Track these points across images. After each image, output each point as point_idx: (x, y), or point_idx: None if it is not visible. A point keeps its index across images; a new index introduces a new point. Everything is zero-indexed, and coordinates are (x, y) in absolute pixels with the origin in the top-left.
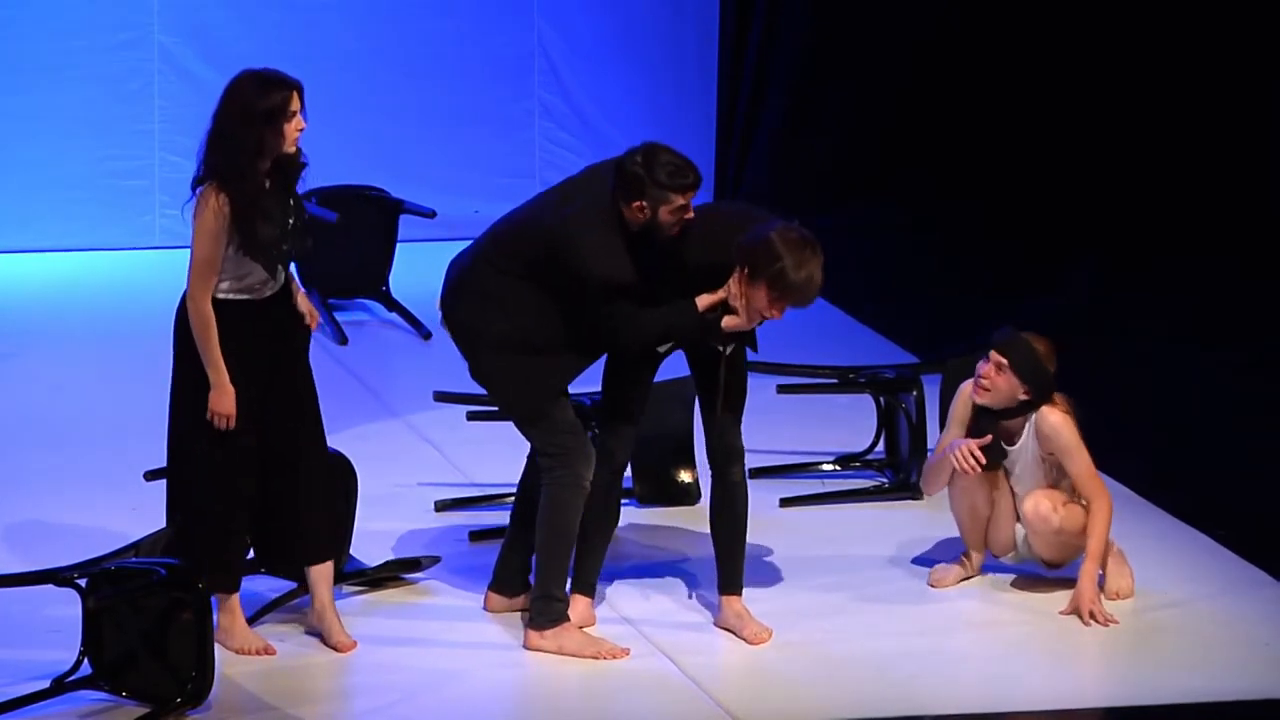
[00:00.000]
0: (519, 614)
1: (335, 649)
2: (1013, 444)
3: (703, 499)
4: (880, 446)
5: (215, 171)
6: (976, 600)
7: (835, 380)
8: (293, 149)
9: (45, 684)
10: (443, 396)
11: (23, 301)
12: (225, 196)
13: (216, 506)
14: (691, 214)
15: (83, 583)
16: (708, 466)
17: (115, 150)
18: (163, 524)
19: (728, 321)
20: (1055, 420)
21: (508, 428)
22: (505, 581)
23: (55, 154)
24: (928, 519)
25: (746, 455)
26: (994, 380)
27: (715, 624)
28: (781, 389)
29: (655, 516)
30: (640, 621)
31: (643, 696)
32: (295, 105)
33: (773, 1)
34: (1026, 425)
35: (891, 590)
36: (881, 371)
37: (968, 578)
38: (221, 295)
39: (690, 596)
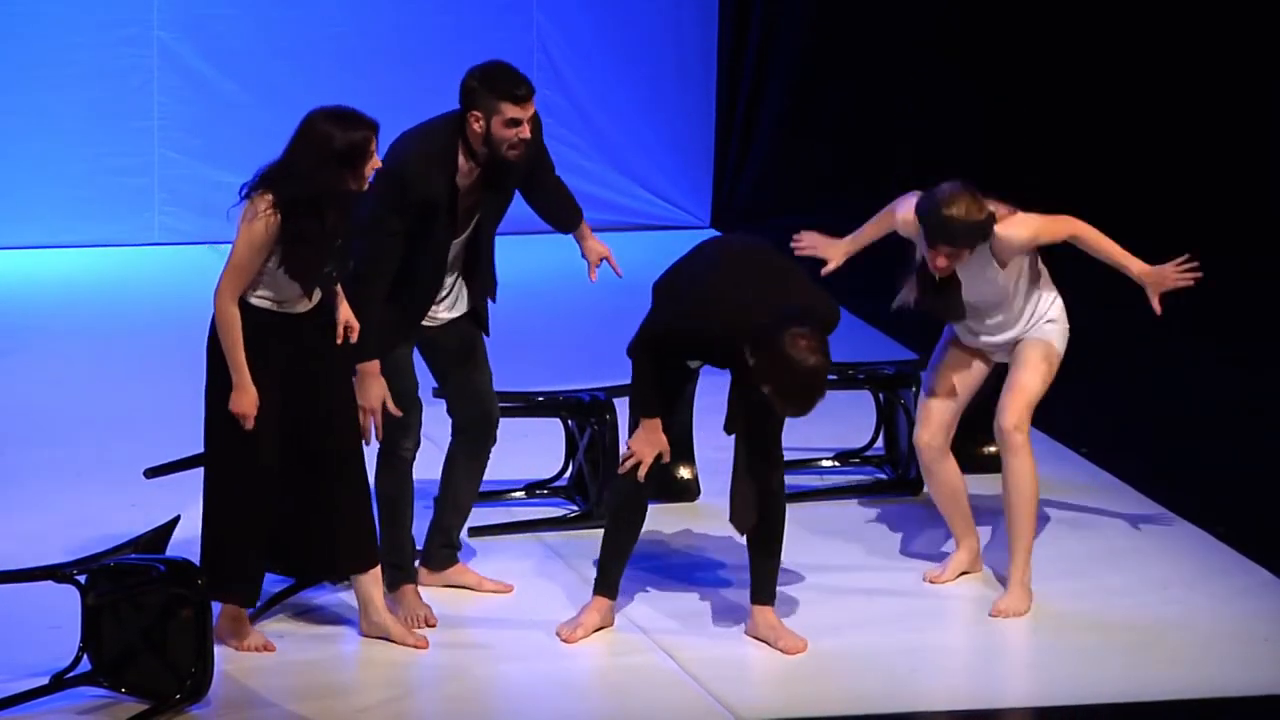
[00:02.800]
0: (521, 611)
1: (414, 647)
2: (967, 270)
3: (702, 495)
4: (879, 443)
5: (283, 197)
6: (975, 596)
7: (834, 376)
8: (365, 187)
9: (45, 680)
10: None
11: (22, 298)
12: (280, 216)
13: (234, 519)
14: (528, 135)
15: (82, 579)
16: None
17: (115, 147)
18: (162, 520)
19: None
20: (1011, 234)
21: (506, 424)
22: (428, 555)
23: (54, 150)
24: (927, 515)
25: None
26: (951, 263)
27: (746, 633)
28: None
29: (655, 513)
30: (639, 618)
31: (643, 692)
32: (373, 145)
33: (772, 0)
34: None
35: (890, 586)
36: (881, 368)
37: (966, 572)
38: (258, 303)
39: (689, 593)
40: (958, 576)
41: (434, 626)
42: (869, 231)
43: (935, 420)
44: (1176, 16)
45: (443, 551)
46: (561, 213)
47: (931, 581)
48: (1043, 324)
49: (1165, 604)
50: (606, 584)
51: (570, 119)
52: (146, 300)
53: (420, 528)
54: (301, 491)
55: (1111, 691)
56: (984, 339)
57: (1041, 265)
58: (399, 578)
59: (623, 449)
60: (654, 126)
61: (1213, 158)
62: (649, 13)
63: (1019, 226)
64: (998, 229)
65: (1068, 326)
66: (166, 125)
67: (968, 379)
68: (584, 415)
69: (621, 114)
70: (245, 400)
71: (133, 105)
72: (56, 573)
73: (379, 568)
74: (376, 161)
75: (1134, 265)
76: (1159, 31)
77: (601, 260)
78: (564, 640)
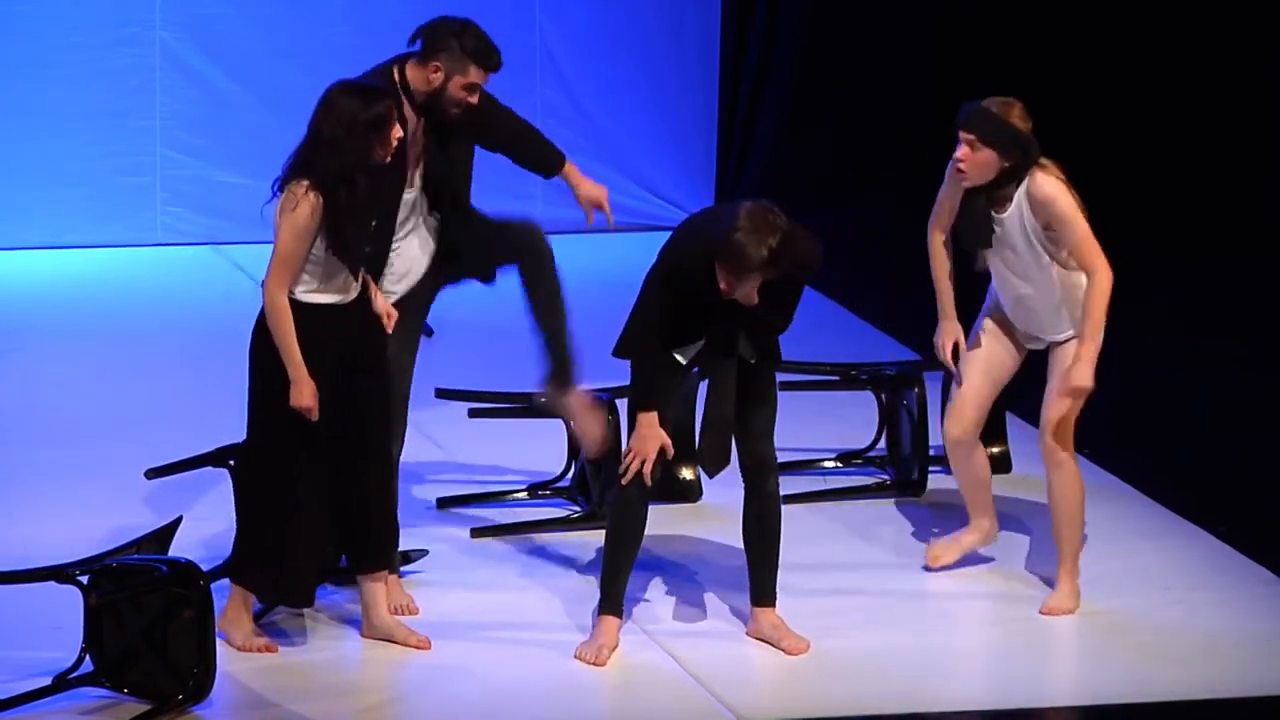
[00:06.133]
0: (522, 612)
1: (417, 648)
2: (1003, 211)
3: (704, 496)
4: (882, 444)
5: (318, 176)
6: (979, 597)
7: (837, 377)
8: (389, 158)
9: (47, 681)
10: (444, 393)
11: (24, 298)
12: (320, 196)
13: (287, 519)
14: (475, 103)
15: (84, 580)
16: (740, 478)
17: (116, 147)
18: (162, 521)
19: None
20: (1049, 188)
21: (509, 425)
22: (552, 377)
23: (56, 150)
24: (930, 516)
25: None
26: (970, 159)
27: (748, 634)
28: (783, 386)
29: (656, 513)
30: (642, 619)
31: (644, 693)
32: (395, 114)
33: (774, 0)
34: (1017, 194)
35: (893, 587)
36: (883, 368)
37: (974, 549)
38: (308, 298)
39: (692, 593)
40: (961, 555)
41: (416, 614)
42: (940, 264)
43: (968, 415)
44: (1175, 17)
45: (565, 371)
46: (544, 159)
47: (932, 563)
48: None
49: (1166, 605)
50: (613, 602)
51: (572, 119)
52: (148, 301)
53: (421, 523)
54: (332, 488)
55: (1114, 692)
56: (1020, 330)
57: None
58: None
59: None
60: (656, 127)
61: (1211, 159)
62: (651, 13)
63: (1060, 191)
64: (1039, 174)
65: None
66: (168, 125)
67: (1000, 370)
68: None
69: (623, 114)
70: (306, 393)
71: (134, 105)
72: (59, 573)
73: (385, 572)
74: (399, 131)
75: (1089, 349)
76: (1159, 32)
77: (594, 208)
78: (593, 664)
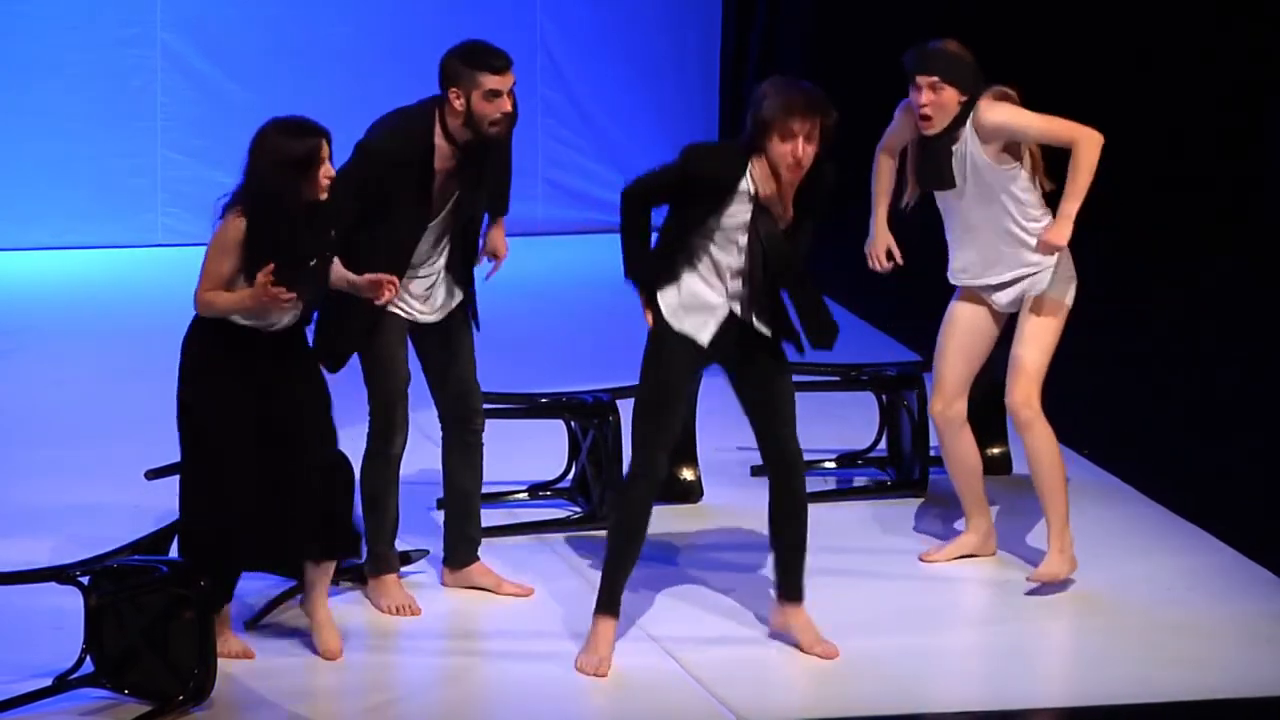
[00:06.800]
0: (523, 613)
1: (323, 654)
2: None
3: (705, 497)
4: (882, 444)
5: (247, 206)
6: (979, 598)
7: (837, 378)
8: (323, 196)
9: (47, 681)
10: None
11: (25, 299)
12: (245, 221)
13: (215, 523)
14: (510, 107)
15: (85, 580)
16: (764, 473)
17: (117, 148)
18: (164, 522)
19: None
20: (994, 116)
21: (508, 426)
22: (448, 554)
23: (57, 151)
24: (930, 517)
25: (747, 453)
26: (935, 101)
27: (774, 626)
28: None
29: (658, 514)
30: (642, 620)
31: (645, 694)
32: (325, 153)
33: (775, 1)
34: (963, 132)
35: (894, 588)
36: (884, 369)
37: (971, 555)
38: (234, 320)
39: (692, 595)
40: (958, 558)
41: (418, 615)
42: (883, 182)
43: (949, 388)
44: (1175, 17)
45: (462, 548)
46: (505, 206)
47: (925, 560)
48: (1045, 274)
49: (1167, 605)
50: (613, 603)
51: (572, 120)
52: (148, 301)
53: (421, 524)
54: (285, 492)
55: (1114, 692)
56: (985, 281)
57: (1045, 208)
58: (380, 566)
59: (626, 452)
60: (656, 127)
61: (1212, 158)
62: (651, 14)
63: (1004, 113)
64: (981, 104)
65: (1073, 273)
66: (169, 126)
67: (978, 340)
68: (587, 417)
69: (623, 115)
70: (258, 288)
71: (135, 106)
72: (60, 574)
73: (332, 565)
74: (329, 169)
75: (1069, 207)
76: (1158, 32)
77: (491, 257)
78: (596, 676)
